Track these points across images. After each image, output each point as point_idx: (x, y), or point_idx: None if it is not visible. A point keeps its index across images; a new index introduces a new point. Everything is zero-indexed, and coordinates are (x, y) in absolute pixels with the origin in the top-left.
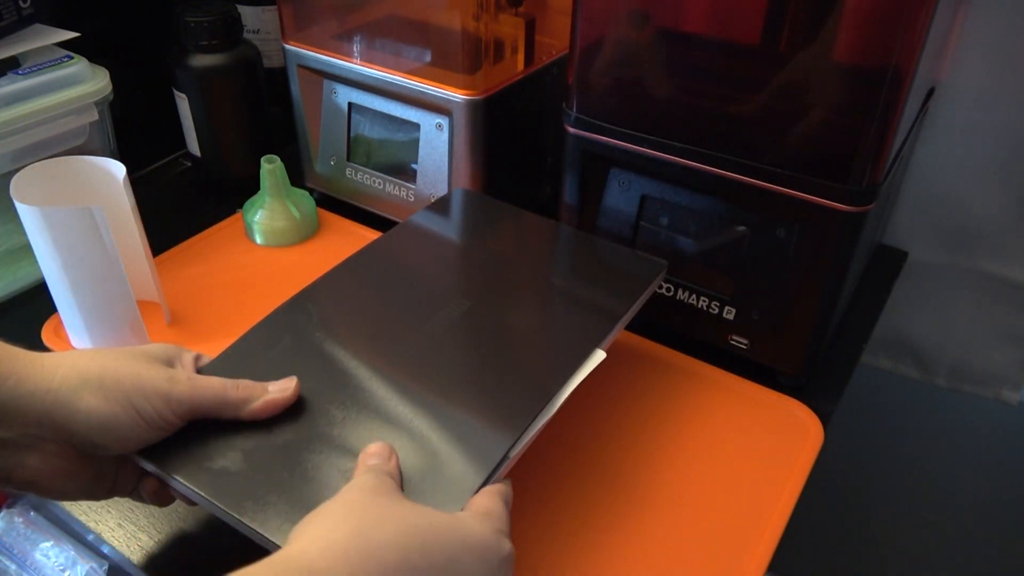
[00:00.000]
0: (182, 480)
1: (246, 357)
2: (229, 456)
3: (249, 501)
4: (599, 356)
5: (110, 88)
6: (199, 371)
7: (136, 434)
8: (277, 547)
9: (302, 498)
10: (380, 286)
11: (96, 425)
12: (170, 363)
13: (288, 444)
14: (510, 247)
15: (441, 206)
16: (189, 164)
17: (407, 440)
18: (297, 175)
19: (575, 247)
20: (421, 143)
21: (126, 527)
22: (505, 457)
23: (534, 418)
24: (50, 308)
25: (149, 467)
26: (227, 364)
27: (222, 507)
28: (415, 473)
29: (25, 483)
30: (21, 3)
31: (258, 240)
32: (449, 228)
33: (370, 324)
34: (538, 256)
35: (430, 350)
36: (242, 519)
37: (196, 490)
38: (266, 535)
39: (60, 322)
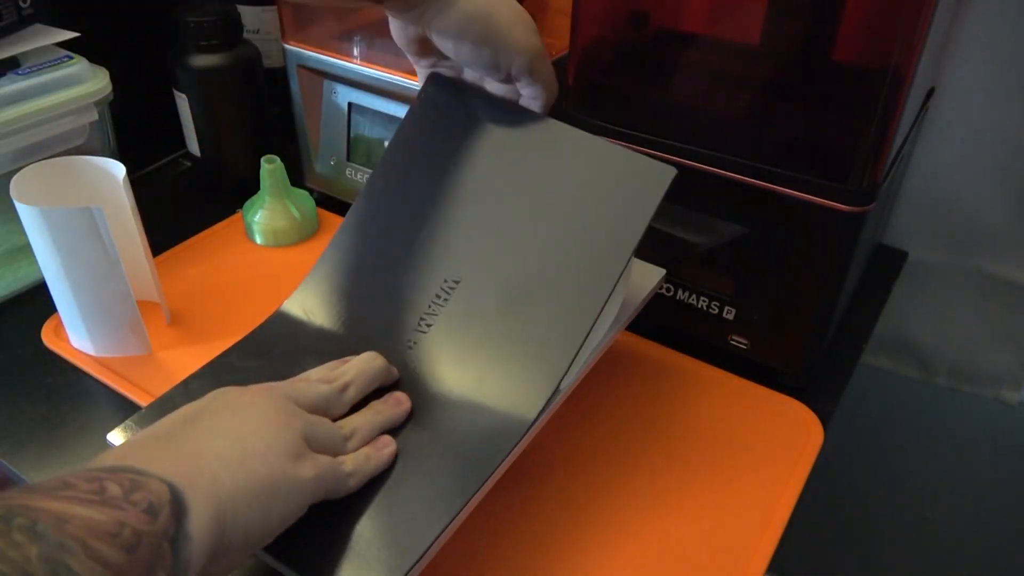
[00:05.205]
0: None
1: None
2: None
3: None
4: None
5: (110, 88)
6: None
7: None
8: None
9: None
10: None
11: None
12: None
13: None
14: (502, 161)
15: (424, 114)
16: (189, 164)
17: (472, 358)
18: (297, 175)
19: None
20: None
21: None
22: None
23: (592, 323)
24: (50, 308)
25: None
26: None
27: None
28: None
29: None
30: (21, 3)
31: (258, 240)
32: (436, 153)
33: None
34: (536, 167)
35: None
36: None
37: None
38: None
39: (60, 322)
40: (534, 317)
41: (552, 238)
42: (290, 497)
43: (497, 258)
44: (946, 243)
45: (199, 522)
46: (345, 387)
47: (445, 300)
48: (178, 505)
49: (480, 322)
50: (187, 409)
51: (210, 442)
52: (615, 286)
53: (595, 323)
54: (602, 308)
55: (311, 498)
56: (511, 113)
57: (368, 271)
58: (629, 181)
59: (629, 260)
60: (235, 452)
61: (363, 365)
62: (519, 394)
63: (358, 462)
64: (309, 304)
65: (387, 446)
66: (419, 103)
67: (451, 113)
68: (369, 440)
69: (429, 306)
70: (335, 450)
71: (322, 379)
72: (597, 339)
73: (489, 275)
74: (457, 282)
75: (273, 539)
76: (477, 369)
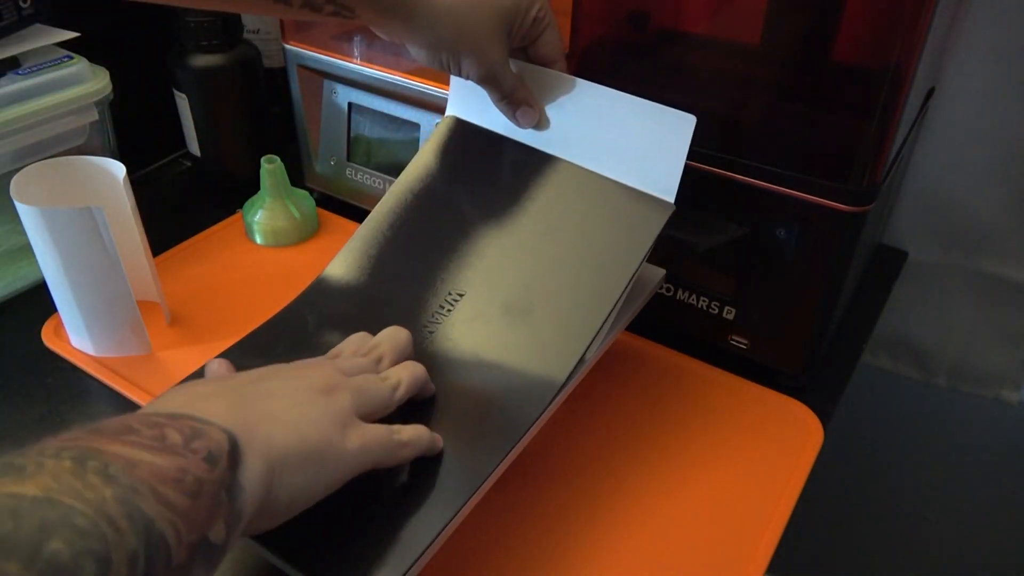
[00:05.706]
0: None
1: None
2: None
3: None
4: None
5: (110, 88)
6: None
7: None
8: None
9: None
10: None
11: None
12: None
13: None
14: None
15: (444, 156)
16: (189, 164)
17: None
18: (297, 175)
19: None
20: (421, 143)
21: None
22: (582, 360)
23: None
24: (50, 308)
25: None
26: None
27: None
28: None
29: None
30: (21, 3)
31: (258, 240)
32: (450, 189)
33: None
34: (539, 201)
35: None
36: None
37: None
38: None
39: (60, 322)
40: (535, 327)
41: (556, 259)
42: (337, 466)
43: (502, 274)
44: (946, 243)
45: (252, 474)
46: (379, 359)
47: (448, 311)
48: (235, 455)
49: (481, 330)
50: (243, 375)
51: (266, 403)
52: (617, 304)
53: (596, 335)
54: (604, 322)
55: (357, 468)
56: (521, 152)
57: (373, 280)
58: (631, 212)
59: (632, 279)
60: (289, 416)
61: (391, 336)
62: (518, 397)
63: (417, 434)
64: (313, 305)
65: (440, 440)
66: (436, 140)
67: (465, 150)
68: (414, 389)
69: (432, 315)
70: (385, 404)
71: (356, 352)
72: (598, 349)
73: (494, 289)
74: (461, 295)
75: (314, 503)
76: (476, 372)
